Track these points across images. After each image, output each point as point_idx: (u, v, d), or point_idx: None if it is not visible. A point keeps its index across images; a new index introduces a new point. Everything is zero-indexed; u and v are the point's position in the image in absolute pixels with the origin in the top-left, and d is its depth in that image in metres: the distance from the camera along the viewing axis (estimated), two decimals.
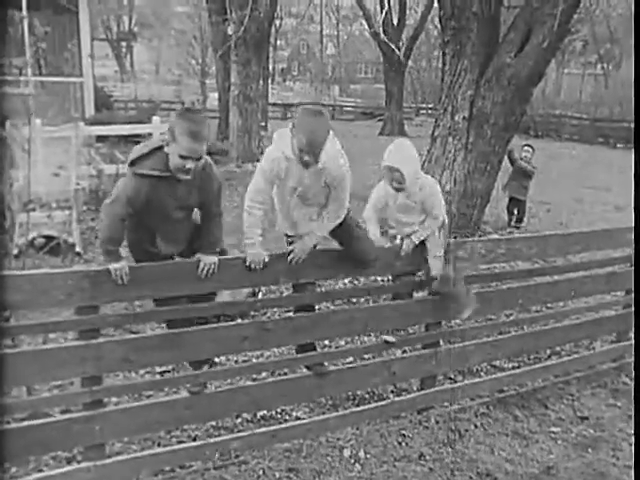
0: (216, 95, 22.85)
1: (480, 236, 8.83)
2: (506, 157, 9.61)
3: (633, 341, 3.51)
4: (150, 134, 10.95)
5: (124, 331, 5.01)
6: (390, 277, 5.12)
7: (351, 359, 4.98)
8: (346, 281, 6.68)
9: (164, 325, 4.02)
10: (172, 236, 3.77)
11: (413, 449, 4.37)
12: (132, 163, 3.45)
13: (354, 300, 5.94)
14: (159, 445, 4.13)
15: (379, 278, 6.49)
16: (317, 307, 5.67)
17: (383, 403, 4.66)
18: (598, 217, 11.86)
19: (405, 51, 27.18)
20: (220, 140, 18.01)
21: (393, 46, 19.89)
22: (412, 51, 29.88)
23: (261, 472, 4.02)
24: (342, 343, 5.51)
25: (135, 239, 3.77)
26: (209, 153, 3.72)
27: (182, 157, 3.37)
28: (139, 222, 3.65)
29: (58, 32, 16.53)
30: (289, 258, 3.92)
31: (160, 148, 3.46)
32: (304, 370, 4.49)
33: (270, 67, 32.68)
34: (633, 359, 3.86)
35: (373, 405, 4.63)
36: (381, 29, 22.97)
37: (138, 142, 3.79)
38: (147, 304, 4.61)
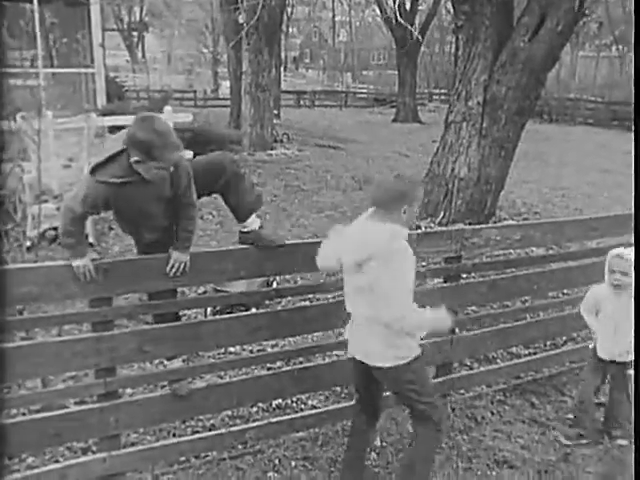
0: (228, 84, 22.85)
1: (495, 222, 8.77)
2: None
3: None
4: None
5: (138, 322, 5.01)
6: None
7: None
8: None
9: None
10: (151, 224, 3.65)
11: None
12: (91, 171, 3.30)
13: None
14: (174, 435, 4.14)
15: None
16: (330, 297, 5.68)
17: None
18: (614, 201, 11.75)
19: (418, 36, 27.00)
20: (233, 129, 18.00)
21: (409, 26, 19.58)
22: (425, 36, 29.67)
23: (277, 461, 4.01)
24: None
25: (122, 227, 3.76)
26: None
27: (159, 168, 3.26)
28: (117, 214, 3.61)
29: (69, 23, 16.55)
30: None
31: (120, 153, 3.26)
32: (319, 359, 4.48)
33: (282, 55, 32.63)
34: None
35: (388, 393, 4.61)
36: (394, 14, 22.78)
37: None
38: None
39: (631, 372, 4.23)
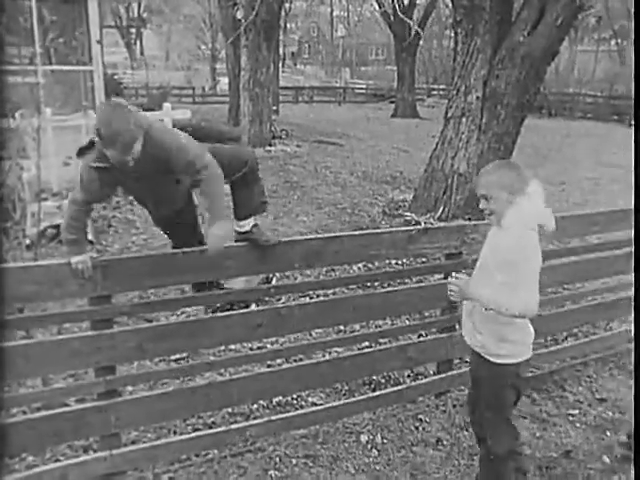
0: (226, 80, 22.83)
1: None
2: None
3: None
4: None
5: (138, 319, 5.00)
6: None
7: (366, 344, 4.95)
8: (360, 265, 6.65)
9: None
10: (158, 199, 3.63)
11: (430, 433, 4.34)
12: (77, 154, 3.38)
13: (368, 284, 5.90)
14: (175, 433, 4.12)
15: (393, 261, 6.47)
16: (331, 292, 5.68)
17: (399, 388, 4.62)
18: (614, 196, 11.73)
19: (416, 31, 26.97)
20: (232, 125, 17.99)
21: (407, 20, 19.51)
22: (423, 31, 29.64)
23: (278, 459, 4.00)
24: (357, 327, 5.48)
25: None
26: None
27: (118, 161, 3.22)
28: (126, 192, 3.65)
29: (67, 20, 16.49)
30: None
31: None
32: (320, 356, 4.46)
33: (281, 51, 32.56)
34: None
35: (389, 390, 4.60)
36: (392, 9, 22.73)
37: None
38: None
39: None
